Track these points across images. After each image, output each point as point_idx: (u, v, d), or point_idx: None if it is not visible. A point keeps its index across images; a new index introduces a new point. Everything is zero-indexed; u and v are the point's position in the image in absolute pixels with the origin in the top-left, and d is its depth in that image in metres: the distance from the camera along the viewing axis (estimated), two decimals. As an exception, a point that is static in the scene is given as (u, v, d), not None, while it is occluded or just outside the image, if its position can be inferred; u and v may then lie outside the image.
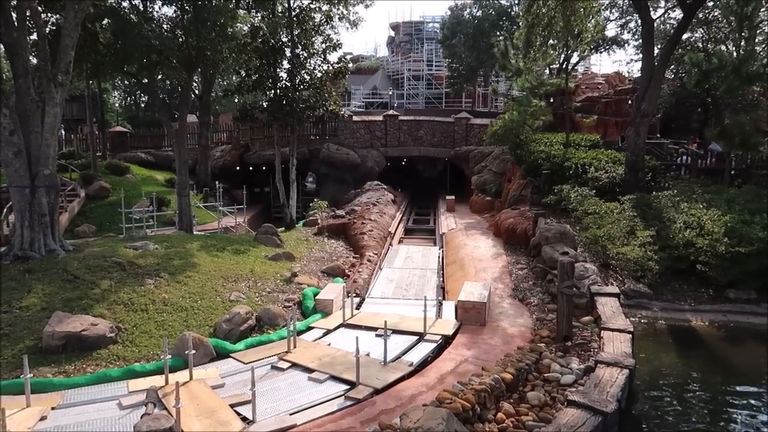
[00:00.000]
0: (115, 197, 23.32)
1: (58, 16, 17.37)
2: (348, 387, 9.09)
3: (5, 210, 19.22)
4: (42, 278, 12.04)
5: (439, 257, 19.10)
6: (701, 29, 30.83)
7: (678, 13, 26.32)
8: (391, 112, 36.06)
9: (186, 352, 9.21)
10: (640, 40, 26.85)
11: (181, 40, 19.22)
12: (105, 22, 18.81)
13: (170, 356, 9.04)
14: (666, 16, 31.82)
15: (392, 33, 61.72)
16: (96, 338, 10.05)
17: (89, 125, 30.52)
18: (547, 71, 31.47)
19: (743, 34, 24.84)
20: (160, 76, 23.77)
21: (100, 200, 24.42)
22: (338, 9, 24.70)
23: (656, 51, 22.55)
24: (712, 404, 9.91)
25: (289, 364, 10.02)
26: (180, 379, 8.46)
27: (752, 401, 9.97)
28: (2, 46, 14.25)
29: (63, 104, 14.47)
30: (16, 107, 13.69)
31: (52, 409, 8.27)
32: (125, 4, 19.89)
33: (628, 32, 36.74)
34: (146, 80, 20.76)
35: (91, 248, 14.66)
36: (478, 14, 43.61)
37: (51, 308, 10.75)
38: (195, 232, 20.46)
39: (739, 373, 11.38)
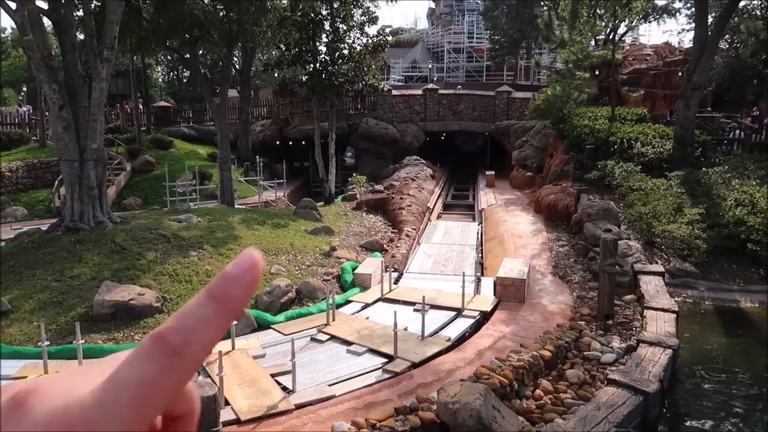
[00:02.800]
0: (159, 171, 23.87)
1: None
2: (386, 360, 9.19)
3: (56, 183, 19.93)
4: (91, 249, 12.48)
5: (477, 233, 18.95)
6: (760, -5, 29.18)
7: (735, -21, 24.91)
8: (430, 85, 35.58)
9: (228, 322, 9.43)
10: (693, 9, 25.59)
11: (221, 14, 19.32)
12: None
13: (213, 326, 9.29)
14: (722, -18, 30.21)
15: (433, 5, 60.58)
16: (143, 307, 10.40)
17: (134, 100, 31.17)
18: (593, 42, 30.40)
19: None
20: (201, 51, 24.02)
21: (145, 174, 25.05)
22: (378, -20, 24.35)
23: (710, 19, 21.47)
24: (757, 388, 9.61)
25: (328, 337, 10.17)
26: (223, 349, 8.70)
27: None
28: (51, 22, 14.56)
29: (109, 79, 14.78)
30: (65, 82, 14.05)
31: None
32: (167, -22, 20.03)
33: (680, 0, 35.14)
34: (188, 55, 21.00)
35: (137, 221, 15.09)
36: (521, -16, 42.29)
37: (100, 278, 11.15)
38: (236, 206, 20.81)
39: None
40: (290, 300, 11.80)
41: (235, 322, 9.51)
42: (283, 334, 10.25)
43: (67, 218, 14.22)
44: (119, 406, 0.39)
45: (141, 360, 0.41)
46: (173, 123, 35.18)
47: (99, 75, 14.14)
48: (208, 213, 16.64)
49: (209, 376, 8.30)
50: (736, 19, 26.67)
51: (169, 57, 49.86)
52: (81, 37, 16.12)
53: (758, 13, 28.84)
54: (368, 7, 24.05)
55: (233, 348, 9.38)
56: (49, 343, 8.75)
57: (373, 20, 24.10)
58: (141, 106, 32.01)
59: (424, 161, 27.97)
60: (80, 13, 16.07)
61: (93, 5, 16.50)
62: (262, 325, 10.75)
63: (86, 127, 14.27)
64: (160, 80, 56.93)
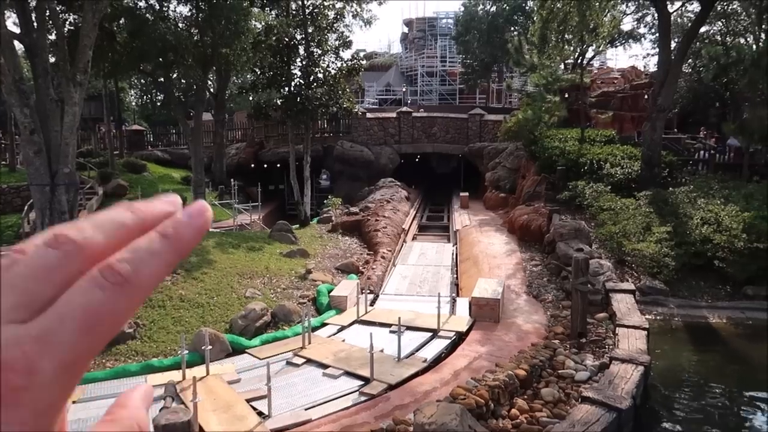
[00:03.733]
0: (132, 195, 23.60)
1: (76, 16, 17.62)
2: (362, 383, 9.17)
3: (26, 208, 19.55)
4: (62, 275, 12.23)
5: (452, 254, 19.10)
6: (720, 22, 30.39)
7: (696, 6, 25.95)
8: (404, 108, 36.02)
9: (203, 347, 9.34)
10: (657, 34, 26.54)
11: (196, 38, 19.41)
12: (122, 21, 19.06)
13: (187, 352, 9.19)
14: (683, 9, 31.33)
15: (406, 29, 61.61)
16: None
17: (107, 124, 30.89)
18: (562, 66, 31.23)
19: (763, 26, 24.45)
20: (175, 75, 24.01)
21: (118, 198, 24.69)
22: (352, 6, 24.74)
23: (673, 45, 22.30)
24: (727, 403, 9.83)
25: (304, 360, 10.12)
26: (197, 374, 8.59)
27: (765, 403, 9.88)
28: (23, 46, 14.48)
29: (81, 103, 14.69)
30: (36, 107, 13.92)
31: (73, 402, 8.44)
32: (141, 3, 20.15)
33: (645, 26, 36.45)
34: (162, 78, 21.00)
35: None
36: (491, 10, 43.41)
37: (71, 304, 10.93)
38: (210, 230, 20.61)
39: (757, 372, 11.26)
40: (265, 324, 11.72)
41: (209, 347, 9.41)
42: (259, 359, 10.16)
43: (37, 244, 13.94)
44: (62, 336, 0.38)
45: (87, 288, 0.40)
46: (147, 146, 34.89)
47: (71, 99, 14.05)
48: (182, 237, 16.46)
49: (183, 402, 8.18)
50: (697, 44, 27.75)
51: (142, 80, 49.63)
52: (53, 60, 16.04)
53: (718, 38, 30.04)
54: (342, 32, 24.40)
55: (207, 373, 9.27)
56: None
57: (348, 44, 24.42)
58: (114, 130, 31.73)
59: (399, 183, 28.17)
60: (53, 37, 16.02)
61: (66, 29, 16.46)
62: (237, 350, 10.64)
63: (58, 151, 14.13)
64: (133, 104, 56.51)
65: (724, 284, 14.88)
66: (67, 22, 17.72)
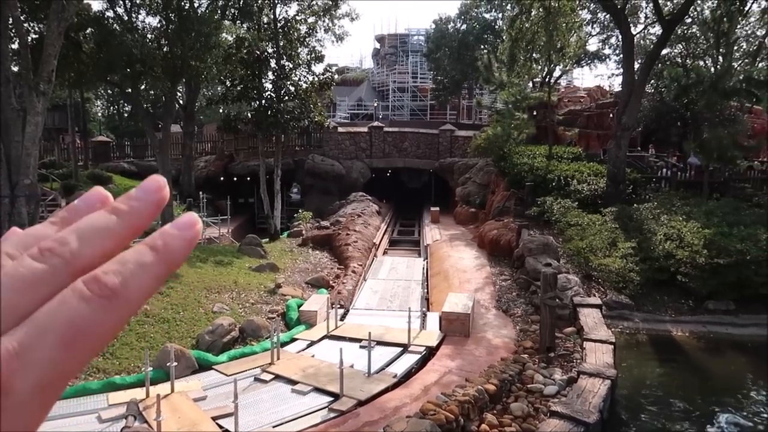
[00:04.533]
0: (96, 207, 23.03)
1: (41, 25, 17.26)
2: (332, 399, 9.06)
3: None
4: (21, 289, 11.84)
5: (423, 268, 19.14)
6: (680, 45, 31.46)
7: (657, 29, 26.86)
8: (376, 123, 36.16)
9: (168, 364, 9.11)
10: (621, 55, 27.31)
11: (165, 50, 19.18)
12: (88, 31, 18.73)
13: (151, 368, 8.95)
14: (646, 32, 32.43)
15: (377, 45, 62.11)
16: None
17: (71, 134, 30.22)
18: (531, 84, 31.86)
19: (720, 50, 25.40)
20: (143, 86, 23.67)
21: (82, 210, 24.11)
22: (324, 21, 24.83)
23: (636, 66, 22.96)
24: (692, 413, 10.02)
25: (273, 376, 9.96)
26: (161, 392, 8.37)
27: (730, 409, 10.11)
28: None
29: (45, 113, 14.33)
30: (-3, 116, 13.53)
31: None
32: (109, 13, 19.82)
33: (610, 47, 37.49)
34: (130, 90, 20.67)
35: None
36: (462, 28, 44.10)
37: (30, 320, 10.57)
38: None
39: (718, 384, 11.53)
40: (233, 339, 11.52)
41: (175, 364, 9.19)
42: (226, 375, 9.97)
43: (-5, 257, 13.48)
44: (42, 351, 0.35)
45: (71, 301, 0.37)
46: (113, 158, 34.21)
47: (34, 108, 13.70)
48: (148, 250, 16.13)
49: (146, 422, 7.96)
50: (659, 66, 28.63)
51: (109, 91, 48.79)
52: (15, 69, 15.65)
53: (679, 60, 31.08)
54: (314, 46, 24.43)
55: (172, 391, 9.04)
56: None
57: (319, 59, 24.46)
58: (79, 141, 31.05)
59: (370, 197, 28.19)
60: (15, 45, 15.64)
61: (30, 38, 16.09)
62: (204, 366, 10.41)
63: (18, 162, 13.72)
64: (99, 114, 55.46)
65: (686, 299, 15.25)
66: (32, 31, 17.33)
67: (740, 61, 27.31)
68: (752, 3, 25.50)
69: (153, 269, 0.41)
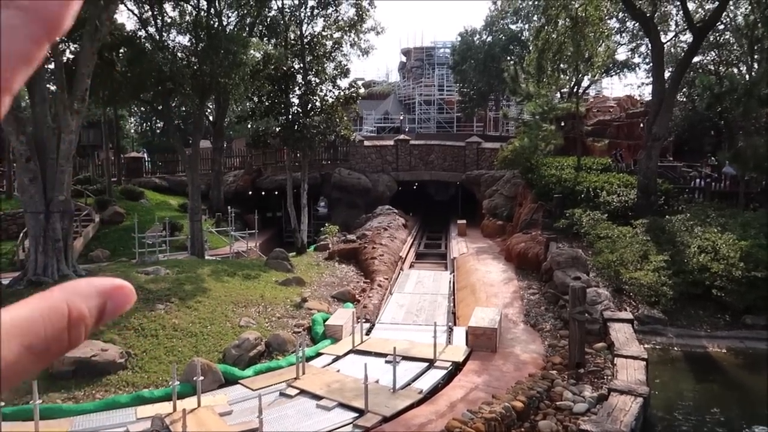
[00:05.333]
0: (129, 222, 23.54)
1: (75, 45, 17.80)
2: (357, 414, 9.00)
3: (21, 235, 19.47)
4: (54, 303, 12.09)
5: (450, 282, 18.98)
6: (712, 52, 30.84)
7: (688, 37, 26.37)
8: (402, 136, 36.24)
9: (194, 378, 9.18)
10: (651, 64, 26.88)
11: (195, 67, 19.59)
12: (121, 50, 19.24)
13: (179, 382, 9.03)
14: (676, 39, 31.90)
15: (403, 58, 62.38)
16: (106, 364, 10.07)
17: (105, 151, 31.00)
18: (558, 95, 31.57)
19: (755, 56, 24.80)
20: (174, 103, 24.18)
21: (115, 225, 24.67)
22: (349, 36, 25.06)
23: (667, 74, 22.56)
24: (730, 434, 9.66)
25: (298, 391, 9.94)
26: (188, 406, 8.43)
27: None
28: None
29: (78, 131, 14.74)
30: (33, 134, 13.96)
31: (60, 436, 8.27)
32: (141, 33, 20.36)
33: (639, 56, 36.99)
34: (161, 107, 21.13)
35: (104, 272, 14.76)
36: (488, 40, 44.03)
37: (62, 333, 10.77)
38: (207, 257, 20.55)
39: (758, 403, 11.09)
40: (259, 353, 11.56)
41: (201, 378, 9.25)
42: (251, 390, 9.99)
43: (30, 271, 13.87)
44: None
45: None
46: (145, 174, 34.97)
47: (68, 127, 14.10)
48: (177, 264, 16.38)
49: (173, 436, 8.02)
50: (691, 73, 28.09)
51: (142, 108, 50.04)
52: (52, 88, 16.16)
53: (711, 68, 30.44)
54: (340, 61, 24.65)
55: (199, 405, 9.09)
56: (3, 403, 8.38)
57: (345, 73, 24.66)
58: (112, 157, 31.83)
59: (396, 210, 28.18)
60: (51, 65, 16.15)
61: (65, 58, 16.61)
62: (230, 380, 10.46)
63: (53, 178, 14.12)
64: (132, 131, 56.86)
65: (722, 313, 14.76)
66: (67, 51, 17.90)
67: (776, 68, 26.58)
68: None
69: (21, 30, 0.37)
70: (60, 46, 16.31)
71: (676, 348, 13.47)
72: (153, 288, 13.37)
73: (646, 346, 12.28)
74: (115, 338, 10.93)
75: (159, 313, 12.14)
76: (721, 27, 28.14)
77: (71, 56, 17.91)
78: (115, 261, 19.94)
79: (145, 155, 38.29)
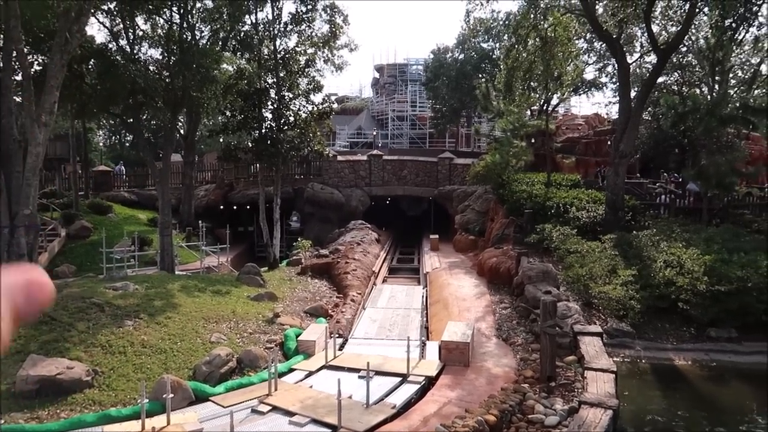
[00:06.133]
0: (96, 237, 23.07)
1: (44, 57, 17.52)
2: (329, 431, 8.93)
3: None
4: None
5: (422, 297, 19.04)
6: (676, 73, 31.87)
7: (653, 58, 27.22)
8: (375, 151, 36.42)
9: (164, 395, 9.01)
10: (618, 83, 27.64)
11: (167, 81, 19.43)
12: (91, 63, 19.00)
13: (147, 400, 8.84)
14: (641, 60, 32.90)
15: (377, 74, 62.88)
16: (71, 382, 9.81)
17: (72, 164, 30.40)
18: (528, 112, 32.17)
19: (716, 77, 25.69)
20: (145, 116, 23.90)
21: (81, 240, 24.14)
22: (323, 52, 25.18)
23: (633, 94, 23.24)
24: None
25: (270, 408, 9.82)
26: (157, 425, 8.26)
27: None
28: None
29: (46, 144, 14.46)
30: (-2, 147, 13.65)
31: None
32: (112, 46, 20.13)
33: (606, 76, 37.99)
34: (131, 120, 20.86)
35: (70, 289, 14.41)
36: (460, 57, 44.76)
37: (26, 351, 10.49)
38: (177, 272, 20.23)
39: (722, 414, 11.36)
40: (231, 370, 11.40)
41: (171, 395, 9.08)
42: (223, 407, 9.83)
43: (-7, 288, 13.44)
44: None
45: None
46: (113, 187, 34.36)
47: (35, 139, 13.83)
48: (146, 280, 16.09)
49: (141, 455, 7.83)
50: (656, 93, 28.96)
51: (111, 121, 49.27)
52: (18, 100, 15.83)
53: (675, 88, 31.44)
54: (314, 77, 24.71)
55: (168, 423, 8.91)
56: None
57: (319, 89, 24.72)
58: (80, 171, 31.23)
59: (369, 225, 28.21)
60: (18, 77, 15.84)
61: (33, 70, 16.32)
62: (201, 398, 10.28)
63: (19, 192, 13.80)
64: (101, 144, 55.92)
65: (688, 326, 15.12)
66: (35, 63, 17.59)
67: (736, 89, 27.59)
68: (745, 33, 25.88)
69: None
70: (29, 57, 16.04)
71: (643, 360, 13.73)
72: (121, 304, 13.10)
73: (615, 359, 12.49)
74: (82, 356, 10.66)
75: (127, 330, 11.89)
76: (684, 49, 29.16)
77: (39, 68, 17.61)
78: (82, 276, 19.48)
79: (122, 167, 37.58)
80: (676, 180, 27.81)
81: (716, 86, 25.21)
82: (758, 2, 21.13)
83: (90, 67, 19.12)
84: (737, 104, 21.51)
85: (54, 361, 10.09)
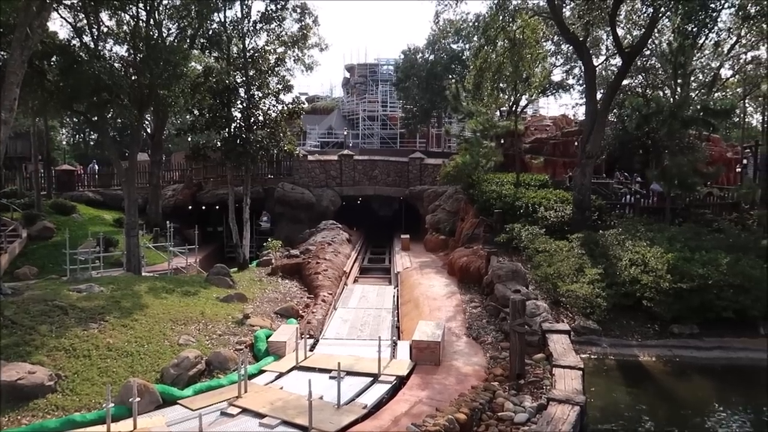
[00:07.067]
0: (59, 238, 22.48)
1: (3, 53, 17.00)
2: (300, 432, 8.87)
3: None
4: (-24, 324, 11.39)
5: (394, 296, 19.08)
6: (640, 75, 32.57)
7: (618, 61, 27.81)
8: (346, 151, 36.35)
9: (130, 399, 8.83)
10: (584, 85, 28.14)
11: (133, 78, 19.03)
12: (53, 59, 18.49)
13: (113, 404, 8.65)
14: (607, 63, 33.56)
15: (347, 74, 62.74)
16: (33, 387, 9.52)
17: (34, 163, 29.57)
18: (498, 113, 32.51)
19: (678, 80, 26.37)
20: (110, 114, 23.36)
21: (44, 241, 23.50)
22: (293, 52, 25.01)
23: (599, 95, 23.67)
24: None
25: (240, 410, 9.72)
26: (123, 429, 8.10)
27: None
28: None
29: (6, 142, 14.02)
30: (-45, 145, 13.18)
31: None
32: (75, 42, 19.63)
33: (573, 78, 38.65)
34: (96, 118, 20.38)
35: (32, 291, 14.02)
36: (430, 58, 44.99)
37: (-16, 356, 10.15)
38: (144, 274, 19.86)
39: (684, 408, 11.67)
40: (199, 372, 11.23)
41: (138, 399, 8.90)
42: (191, 410, 9.67)
43: (-51, 291, 13.00)
44: None
45: None
46: (77, 187, 33.53)
47: (-5, 138, 13.38)
48: (112, 282, 15.75)
49: (106, 461, 7.66)
50: (621, 95, 29.57)
51: (75, 119, 48.07)
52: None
53: (639, 90, 32.15)
54: (284, 76, 24.52)
55: (135, 427, 8.73)
56: None
57: (289, 88, 24.55)
58: (42, 170, 30.39)
59: (340, 225, 28.15)
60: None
61: (-8, 66, 15.81)
62: (168, 401, 10.10)
63: (-23, 192, 13.33)
64: (64, 143, 54.52)
65: (652, 323, 15.48)
66: (-6, 59, 17.04)
67: (697, 92, 28.34)
68: (705, 38, 26.59)
69: None
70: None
71: (610, 357, 14.01)
72: (86, 306, 12.79)
73: (582, 356, 12.71)
74: (44, 360, 10.37)
75: (92, 333, 11.62)
76: (648, 53, 29.83)
77: (-2, 64, 17.06)
78: (45, 278, 18.95)
79: (96, 166, 36.68)
80: (627, 179, 28.49)
81: (678, 89, 25.87)
82: (718, 9, 21.74)
83: (52, 63, 18.62)
84: (698, 107, 22.09)
85: (15, 366, 9.80)
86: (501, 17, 23.59)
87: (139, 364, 11.04)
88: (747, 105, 36.42)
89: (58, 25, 78.62)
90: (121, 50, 24.32)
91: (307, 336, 13.48)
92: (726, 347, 14.42)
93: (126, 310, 13.07)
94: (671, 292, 15.09)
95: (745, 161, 30.82)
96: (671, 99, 23.94)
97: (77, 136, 57.13)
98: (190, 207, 32.32)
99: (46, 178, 31.19)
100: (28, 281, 18.42)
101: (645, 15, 24.31)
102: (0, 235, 22.14)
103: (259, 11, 23.44)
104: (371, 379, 11.17)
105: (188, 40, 23.88)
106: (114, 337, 11.68)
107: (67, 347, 10.92)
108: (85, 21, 20.28)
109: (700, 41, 26.95)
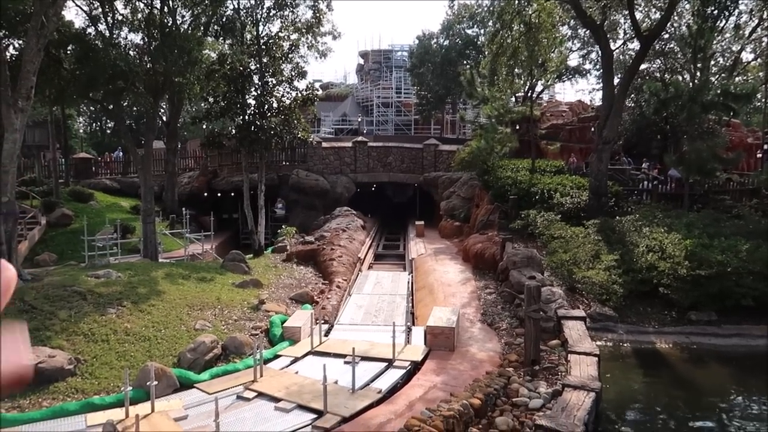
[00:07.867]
0: (77, 224, 22.77)
1: (20, 41, 17.14)
2: (315, 416, 8.95)
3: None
4: (-3, 309, 11.59)
5: (408, 283, 19.09)
6: (658, 60, 32.03)
7: (636, 45, 27.34)
8: (360, 138, 36.26)
9: (148, 383, 8.95)
10: (601, 70, 27.72)
11: (148, 66, 19.10)
12: (69, 48, 18.61)
13: (131, 388, 8.78)
14: (625, 47, 33.03)
15: (361, 61, 62.48)
16: (53, 371, 9.70)
17: (52, 151, 29.90)
18: (513, 99, 32.21)
19: (698, 64, 25.88)
20: (126, 102, 23.52)
21: (62, 228, 23.82)
22: (307, 38, 24.91)
23: (616, 80, 23.31)
24: (676, 425, 10.03)
25: (255, 394, 9.82)
26: (141, 412, 8.22)
27: (714, 420, 10.14)
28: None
29: (23, 130, 14.18)
30: (-26, 133, 13.36)
31: (5, 446, 7.92)
32: (90, 30, 19.73)
33: (590, 62, 38.15)
34: (112, 106, 20.52)
35: (51, 277, 14.24)
36: (445, 44, 44.58)
37: (6, 340, 10.33)
38: (160, 260, 20.06)
39: (702, 395, 11.57)
40: (216, 357, 11.36)
41: (155, 382, 9.03)
42: (208, 393, 9.80)
43: (-29, 276, 13.22)
44: None
45: None
46: (95, 175, 33.89)
47: (12, 126, 13.55)
48: (129, 268, 15.94)
49: (125, 443, 7.79)
50: (639, 80, 29.10)
51: (92, 107, 48.46)
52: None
53: (658, 75, 31.61)
54: (297, 63, 24.47)
55: (153, 410, 8.86)
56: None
57: (303, 75, 24.48)
58: (60, 158, 30.73)
59: (354, 212, 28.16)
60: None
61: (9, 54, 15.96)
62: (185, 385, 10.24)
63: (-4, 179, 13.54)
64: (81, 131, 55.05)
65: (669, 310, 15.33)
66: (11, 47, 17.20)
67: (717, 76, 27.82)
68: (726, 21, 26.05)
69: None
70: (3, 41, 15.68)
71: (626, 344, 13.92)
72: (104, 292, 12.96)
73: (597, 342, 12.63)
74: (64, 344, 10.55)
75: (110, 318, 11.78)
76: (667, 36, 29.29)
77: (15, 52, 17.21)
78: (63, 265, 19.24)
79: (121, 153, 36.94)
80: (630, 164, 28.07)
81: (698, 73, 25.39)
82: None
83: (68, 51, 18.73)
84: (718, 91, 21.65)
85: (36, 350, 9.97)
86: (516, 1, 23.27)
87: (156, 349, 11.19)
88: (769, 89, 35.68)
89: (74, 14, 79.18)
90: (136, 38, 24.47)
91: (322, 321, 13.55)
92: (745, 334, 14.25)
93: (143, 295, 13.22)
94: (689, 278, 14.91)
95: (766, 146, 30.23)
96: (690, 83, 23.52)
97: (94, 124, 57.63)
98: (205, 194, 32.52)
99: (64, 166, 31.53)
100: (47, 267, 18.73)
101: (664, -3, 23.83)
102: (20, 222, 22.47)
103: (272, -3, 23.34)
104: (386, 364, 11.21)
105: (202, 28, 23.88)
106: (132, 322, 11.84)
107: (85, 332, 11.09)
108: (99, 9, 20.36)
109: (721, 24, 26.40)
